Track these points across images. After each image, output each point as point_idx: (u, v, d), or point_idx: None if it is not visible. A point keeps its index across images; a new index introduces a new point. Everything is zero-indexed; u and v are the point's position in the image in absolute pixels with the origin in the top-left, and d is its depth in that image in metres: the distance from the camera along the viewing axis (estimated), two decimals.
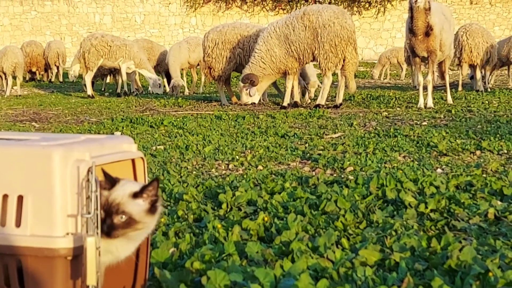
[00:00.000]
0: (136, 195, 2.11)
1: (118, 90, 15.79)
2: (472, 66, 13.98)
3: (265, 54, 10.78)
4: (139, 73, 16.15)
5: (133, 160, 2.32)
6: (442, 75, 11.55)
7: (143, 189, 2.12)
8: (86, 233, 2.06)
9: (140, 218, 2.11)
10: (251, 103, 11.17)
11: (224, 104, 11.87)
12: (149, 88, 15.93)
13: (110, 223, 2.08)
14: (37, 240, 2.07)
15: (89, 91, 14.89)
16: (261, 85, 11.07)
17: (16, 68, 16.15)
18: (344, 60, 10.65)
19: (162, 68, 17.13)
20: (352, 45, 10.67)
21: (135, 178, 2.36)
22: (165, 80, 17.22)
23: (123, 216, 2.09)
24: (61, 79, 21.99)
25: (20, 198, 2.08)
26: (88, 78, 14.98)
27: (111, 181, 2.12)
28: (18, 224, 2.08)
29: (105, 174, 2.12)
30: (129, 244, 2.18)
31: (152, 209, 2.13)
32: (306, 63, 11.05)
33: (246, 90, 11.07)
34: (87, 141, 2.18)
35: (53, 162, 2.03)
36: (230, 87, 12.61)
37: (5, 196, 2.09)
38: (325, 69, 10.54)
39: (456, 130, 7.43)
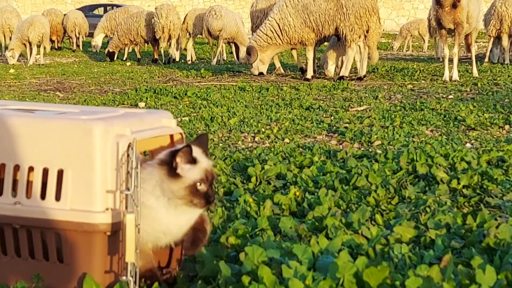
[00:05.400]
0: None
1: (174, 57, 16.39)
2: (498, 38, 13.74)
3: (278, 23, 10.66)
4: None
5: (171, 135, 2.29)
6: (468, 48, 11.39)
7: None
8: (126, 209, 2.05)
9: None
10: (259, 74, 11.10)
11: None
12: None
13: (212, 192, 2.12)
14: (77, 215, 2.05)
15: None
16: (267, 54, 10.96)
17: (43, 38, 16.15)
18: (367, 31, 10.55)
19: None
20: (376, 15, 10.59)
21: None
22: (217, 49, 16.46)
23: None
24: (81, 49, 21.95)
25: (60, 172, 2.06)
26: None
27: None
28: (58, 198, 2.07)
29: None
30: None
31: None
32: (324, 36, 10.88)
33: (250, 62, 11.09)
34: (127, 116, 2.14)
35: (94, 137, 2.01)
36: None
37: (45, 170, 2.07)
38: (350, 41, 10.43)
39: (483, 103, 7.33)
